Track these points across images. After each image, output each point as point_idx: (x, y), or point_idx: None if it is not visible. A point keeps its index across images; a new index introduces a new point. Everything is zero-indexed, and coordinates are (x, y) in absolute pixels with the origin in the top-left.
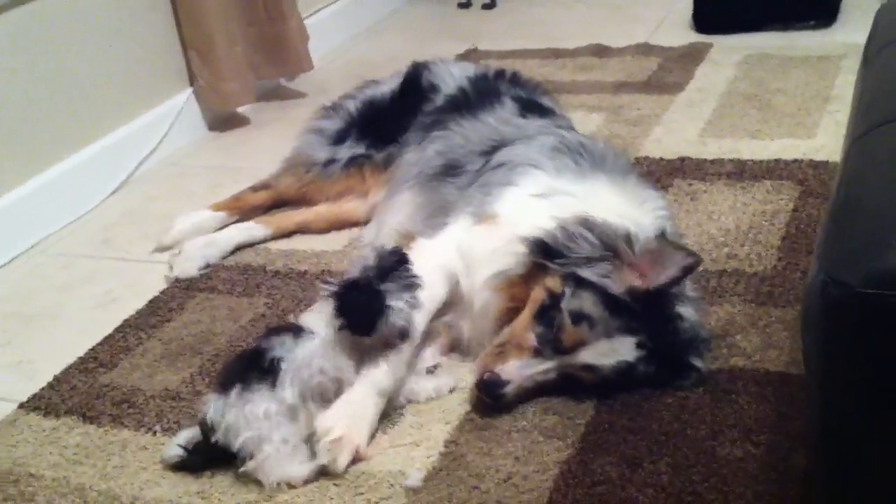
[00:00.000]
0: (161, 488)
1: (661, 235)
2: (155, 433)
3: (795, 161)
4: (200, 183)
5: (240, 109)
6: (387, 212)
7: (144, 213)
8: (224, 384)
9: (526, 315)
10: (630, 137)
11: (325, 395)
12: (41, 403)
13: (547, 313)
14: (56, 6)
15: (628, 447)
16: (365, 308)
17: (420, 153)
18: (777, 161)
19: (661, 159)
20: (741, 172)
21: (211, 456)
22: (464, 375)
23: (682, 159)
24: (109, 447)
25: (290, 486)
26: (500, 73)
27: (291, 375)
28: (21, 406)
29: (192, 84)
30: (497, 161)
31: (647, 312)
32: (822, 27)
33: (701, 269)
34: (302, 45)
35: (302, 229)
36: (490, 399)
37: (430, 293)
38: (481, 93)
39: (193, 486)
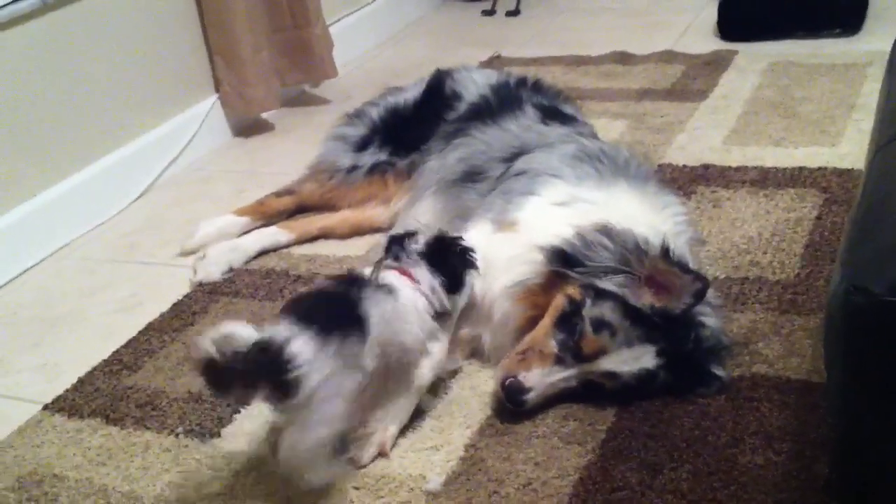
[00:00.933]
0: (183, 490)
1: (667, 254)
2: (178, 435)
3: (819, 169)
4: (225, 188)
5: (264, 115)
6: (409, 216)
7: (169, 218)
8: (306, 321)
9: (546, 322)
10: (653, 144)
11: (401, 369)
12: (65, 405)
13: (568, 321)
14: (82, 13)
15: (649, 454)
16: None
17: (442, 160)
18: (801, 169)
19: (685, 166)
20: (765, 180)
21: (243, 376)
22: (483, 378)
23: (706, 166)
24: (132, 449)
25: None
26: (521, 81)
27: (376, 342)
28: (45, 408)
29: (217, 90)
30: (518, 169)
31: (667, 322)
32: (847, 35)
33: (723, 276)
34: (327, 52)
35: (325, 234)
36: (512, 405)
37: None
38: (503, 100)
39: (216, 487)
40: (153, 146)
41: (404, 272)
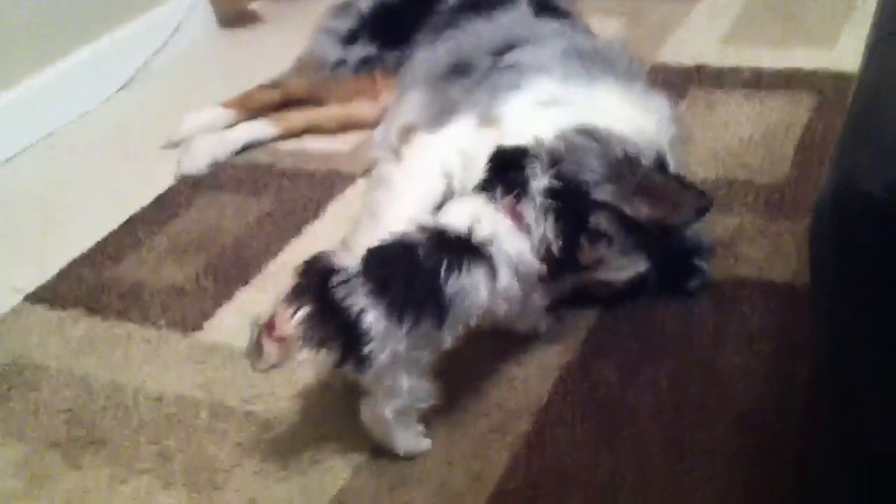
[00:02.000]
0: (164, 381)
1: (662, 167)
2: (159, 327)
3: (815, 71)
4: (211, 79)
5: (252, 6)
6: (395, 111)
7: (154, 109)
8: (382, 289)
9: None
10: (649, 43)
11: None
12: (47, 295)
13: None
14: None
15: (629, 352)
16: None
17: (431, 52)
18: (797, 71)
19: (679, 66)
20: (759, 82)
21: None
22: None
23: (700, 67)
24: (114, 339)
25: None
26: None
27: (458, 323)
28: (27, 297)
29: None
30: (507, 62)
31: (661, 231)
32: None
33: (713, 178)
34: None
35: (312, 129)
36: None
37: (427, 187)
38: None
39: (197, 378)
40: (137, 35)
41: (516, 213)
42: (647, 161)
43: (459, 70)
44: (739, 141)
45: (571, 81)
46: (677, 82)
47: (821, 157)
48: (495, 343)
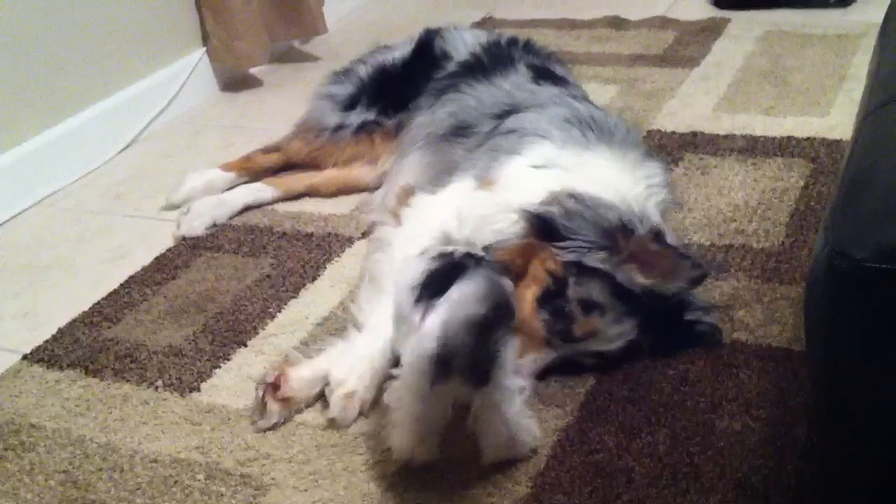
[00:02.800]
0: (160, 442)
1: (658, 236)
2: (157, 388)
3: (808, 139)
4: (212, 142)
5: (253, 71)
6: (396, 172)
7: (155, 170)
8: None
9: (529, 299)
10: (644, 110)
11: None
12: (45, 355)
13: (552, 300)
14: None
15: (627, 417)
16: None
17: (431, 115)
18: (790, 138)
19: (674, 133)
20: (753, 148)
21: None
22: None
23: (695, 133)
24: (111, 401)
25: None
26: (513, 40)
27: None
28: (25, 357)
29: (205, 43)
30: (508, 127)
31: (653, 298)
32: (841, 6)
33: (708, 243)
34: (317, 8)
35: (310, 192)
36: None
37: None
38: (495, 58)
39: (193, 440)
40: (141, 98)
41: None
42: (642, 229)
43: (460, 132)
44: (735, 207)
45: (568, 147)
46: (672, 148)
47: (815, 223)
48: None
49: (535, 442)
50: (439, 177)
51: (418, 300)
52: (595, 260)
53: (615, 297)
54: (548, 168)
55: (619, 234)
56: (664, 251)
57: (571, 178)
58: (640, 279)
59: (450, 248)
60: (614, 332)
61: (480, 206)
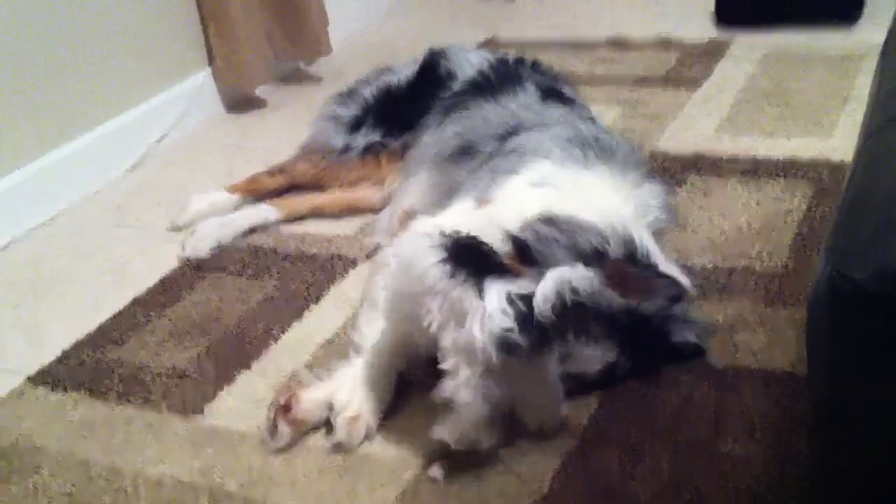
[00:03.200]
0: (164, 465)
1: (633, 257)
2: (160, 410)
3: (811, 160)
4: (216, 162)
5: (257, 91)
6: (401, 193)
7: (160, 191)
8: None
9: None
10: (646, 132)
11: None
12: (49, 377)
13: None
14: None
15: (630, 440)
16: None
17: (438, 135)
18: (793, 160)
19: (677, 155)
20: (756, 170)
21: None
22: None
23: (698, 155)
24: (115, 423)
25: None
26: (520, 60)
27: None
28: (29, 379)
29: (210, 63)
30: (510, 147)
31: (630, 318)
32: (845, 26)
33: (711, 265)
34: (321, 28)
35: (315, 213)
36: None
37: None
38: (503, 77)
39: (196, 463)
40: (145, 118)
41: None
42: (615, 251)
43: (465, 152)
44: (738, 229)
45: (566, 166)
46: (675, 170)
47: (819, 244)
48: None
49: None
50: (441, 199)
51: (457, 277)
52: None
53: (590, 319)
54: (542, 185)
55: (592, 259)
56: (638, 272)
57: (560, 197)
58: (618, 300)
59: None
60: (590, 354)
61: (472, 223)
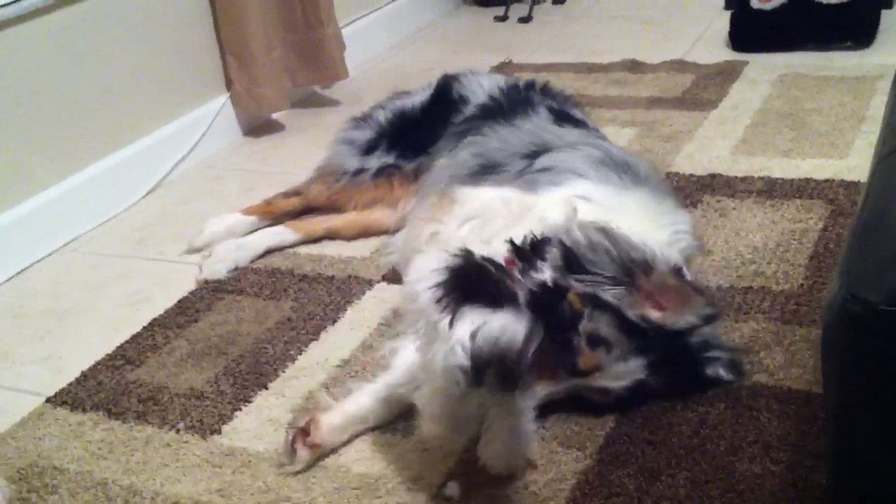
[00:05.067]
0: (182, 485)
1: (679, 272)
2: (178, 431)
3: (827, 181)
4: (234, 186)
5: (275, 115)
6: (417, 214)
7: (177, 215)
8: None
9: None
10: (662, 153)
11: None
12: (68, 398)
13: (564, 332)
14: (96, 9)
15: (647, 460)
16: None
17: (453, 158)
18: (808, 180)
19: (692, 175)
20: (771, 190)
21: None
22: None
23: (713, 176)
24: (133, 443)
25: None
26: (530, 84)
27: None
28: (48, 400)
29: (228, 89)
30: (542, 164)
31: (661, 335)
32: (859, 48)
33: (727, 285)
34: (338, 54)
35: (331, 235)
36: None
37: None
38: (515, 101)
39: (214, 483)
40: (164, 143)
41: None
42: (663, 266)
43: (489, 170)
44: (754, 249)
45: (605, 187)
46: (691, 191)
47: (835, 264)
48: None
49: (529, 463)
50: None
51: (442, 302)
52: (609, 295)
53: (624, 333)
54: (587, 201)
55: (638, 270)
56: (681, 284)
57: (607, 214)
58: (653, 315)
59: (467, 249)
60: (620, 370)
61: (513, 205)
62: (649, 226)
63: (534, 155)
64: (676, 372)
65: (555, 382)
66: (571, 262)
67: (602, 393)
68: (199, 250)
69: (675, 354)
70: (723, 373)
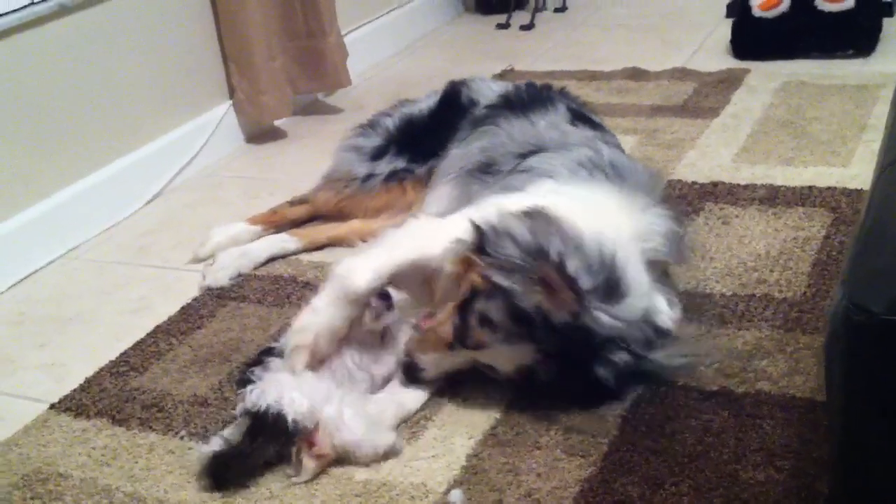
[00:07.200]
0: (186, 492)
1: (560, 266)
2: (182, 438)
3: (829, 189)
4: (236, 193)
5: (277, 123)
6: (427, 203)
7: (180, 222)
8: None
9: (451, 306)
10: (664, 161)
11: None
12: (72, 405)
13: (465, 308)
14: (100, 17)
15: (650, 468)
16: None
17: (466, 148)
18: (810, 188)
19: (695, 183)
20: (774, 198)
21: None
22: (487, 389)
23: (715, 184)
24: (137, 450)
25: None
26: (548, 86)
27: None
28: (52, 407)
29: (231, 96)
30: (526, 166)
31: (550, 326)
32: (861, 56)
33: (730, 293)
34: (341, 61)
35: (334, 243)
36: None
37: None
38: (534, 97)
39: (217, 491)
40: (166, 150)
41: None
42: (555, 258)
43: (486, 169)
44: (756, 256)
45: (568, 184)
46: (693, 198)
47: (837, 272)
48: (517, 454)
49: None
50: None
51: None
52: (504, 279)
53: (511, 318)
54: (554, 194)
55: (531, 258)
56: (560, 281)
57: (557, 201)
58: (545, 306)
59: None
60: (505, 353)
61: (457, 217)
62: (609, 218)
63: (527, 155)
64: (566, 366)
65: (451, 353)
66: (483, 244)
67: (491, 370)
68: (203, 261)
69: (571, 349)
70: (609, 378)
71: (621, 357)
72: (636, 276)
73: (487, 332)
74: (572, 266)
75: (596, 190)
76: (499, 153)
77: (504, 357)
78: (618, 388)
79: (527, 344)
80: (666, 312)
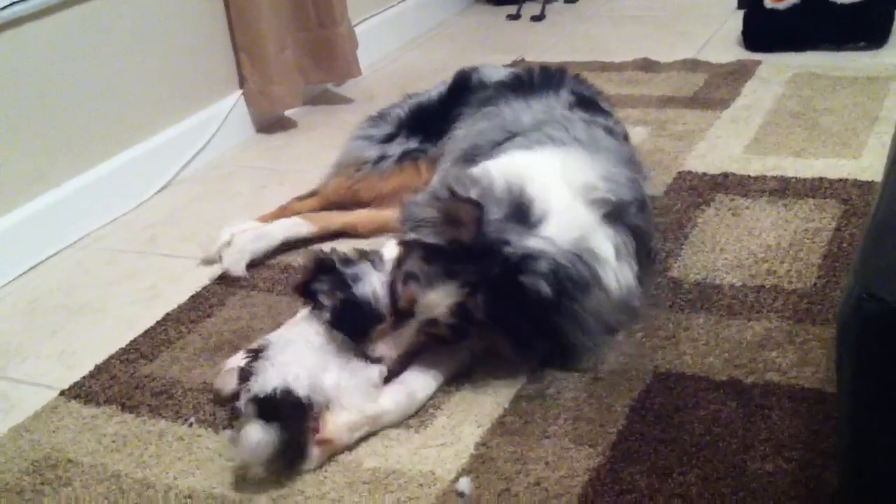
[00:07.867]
0: (195, 478)
1: (452, 192)
2: (191, 425)
3: (840, 180)
4: (246, 184)
5: (287, 113)
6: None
7: (190, 212)
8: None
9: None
10: (674, 152)
11: None
12: (82, 392)
13: (394, 279)
14: (110, 7)
15: (659, 458)
16: None
17: (469, 128)
18: (821, 180)
19: (705, 174)
20: (784, 190)
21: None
22: (496, 377)
23: (726, 175)
24: (146, 437)
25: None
26: (562, 70)
27: None
28: (62, 394)
29: (241, 87)
30: (499, 150)
31: (465, 252)
32: (872, 48)
33: (740, 284)
34: (351, 52)
35: (347, 231)
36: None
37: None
38: (543, 80)
39: (227, 476)
40: (177, 140)
41: None
42: (494, 207)
43: (470, 156)
44: (766, 248)
45: (521, 150)
46: (703, 190)
47: (848, 264)
48: (525, 443)
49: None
50: None
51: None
52: (413, 233)
53: (426, 261)
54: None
55: (437, 197)
56: (456, 204)
57: (500, 161)
58: (451, 234)
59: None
60: (433, 297)
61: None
62: (533, 168)
63: (503, 142)
64: (492, 289)
65: (398, 332)
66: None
67: (434, 325)
68: (213, 260)
69: (489, 271)
70: (537, 284)
71: (542, 265)
72: (557, 206)
73: (412, 287)
74: (474, 194)
75: (541, 151)
76: (483, 140)
77: (433, 304)
78: (555, 297)
79: (449, 280)
80: (611, 265)
